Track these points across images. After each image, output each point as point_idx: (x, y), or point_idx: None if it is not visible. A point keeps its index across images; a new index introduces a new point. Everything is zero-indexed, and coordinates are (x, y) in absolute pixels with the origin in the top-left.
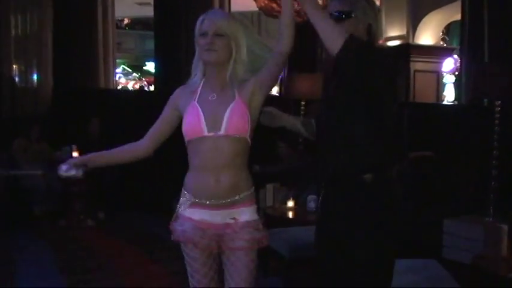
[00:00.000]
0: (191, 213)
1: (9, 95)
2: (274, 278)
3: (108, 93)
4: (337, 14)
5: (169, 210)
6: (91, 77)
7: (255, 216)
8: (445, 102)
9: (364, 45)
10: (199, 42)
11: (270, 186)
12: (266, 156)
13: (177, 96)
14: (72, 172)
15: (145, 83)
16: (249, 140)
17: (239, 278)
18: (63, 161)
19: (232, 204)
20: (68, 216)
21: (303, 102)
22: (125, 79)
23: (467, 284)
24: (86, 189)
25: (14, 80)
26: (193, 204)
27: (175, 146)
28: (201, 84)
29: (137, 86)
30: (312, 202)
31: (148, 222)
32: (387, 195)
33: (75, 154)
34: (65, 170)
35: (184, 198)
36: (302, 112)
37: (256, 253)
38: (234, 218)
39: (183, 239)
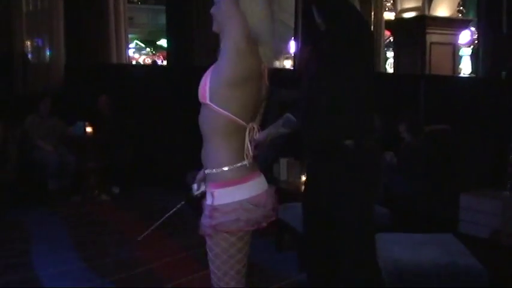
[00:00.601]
0: None
1: (21, 71)
2: (289, 252)
3: (121, 68)
4: None
5: (183, 184)
6: (103, 52)
7: (210, 201)
8: (461, 75)
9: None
10: None
11: (283, 161)
12: None
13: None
14: (203, 188)
15: (161, 57)
16: (213, 106)
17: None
18: (76, 137)
19: (209, 179)
20: (82, 192)
21: None
22: (138, 54)
23: (484, 259)
24: (100, 164)
25: (27, 56)
26: None
27: (190, 121)
28: None
29: (149, 61)
30: None
31: (162, 197)
32: (368, 159)
33: (88, 130)
34: (197, 189)
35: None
36: None
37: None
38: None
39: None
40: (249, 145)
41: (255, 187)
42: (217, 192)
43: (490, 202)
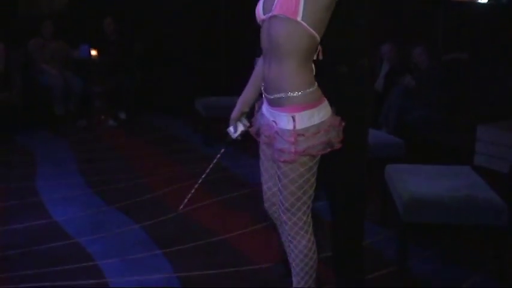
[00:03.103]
0: (263, 106)
1: None
2: None
3: None
4: None
5: (190, 111)
6: None
7: (289, 126)
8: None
9: None
10: None
11: None
12: None
13: None
14: (241, 127)
15: None
16: (304, 25)
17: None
18: (81, 60)
19: (274, 103)
20: (88, 116)
21: None
22: None
23: (503, 193)
24: (106, 88)
25: None
26: (263, 97)
27: (196, 50)
28: None
29: None
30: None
31: (169, 123)
32: (360, 82)
33: (93, 53)
34: (234, 131)
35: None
36: None
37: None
38: (274, 121)
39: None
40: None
41: (327, 108)
42: (299, 115)
43: (508, 134)
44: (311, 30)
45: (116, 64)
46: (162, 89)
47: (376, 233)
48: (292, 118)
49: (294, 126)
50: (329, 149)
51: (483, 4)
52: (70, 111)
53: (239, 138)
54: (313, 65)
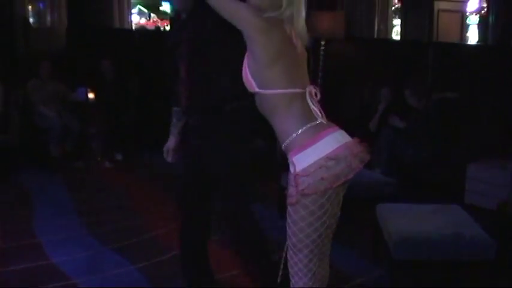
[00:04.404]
0: None
1: (23, 34)
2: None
3: (122, 33)
4: None
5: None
6: (105, 16)
7: (292, 169)
8: (470, 43)
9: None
10: None
11: None
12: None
13: None
14: None
15: (159, 23)
16: (262, 92)
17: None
18: (79, 102)
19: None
20: (85, 158)
21: (322, 42)
22: (139, 19)
23: (492, 230)
24: (102, 129)
25: (28, 19)
26: None
27: None
28: None
29: (145, 25)
30: None
31: (165, 162)
32: (243, 119)
33: (90, 96)
34: None
35: None
36: (322, 52)
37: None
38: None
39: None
40: (314, 107)
41: (331, 142)
42: (295, 158)
43: (498, 172)
44: (271, 91)
45: (112, 105)
46: (157, 127)
47: (368, 271)
48: (292, 162)
49: (295, 169)
50: (341, 181)
51: (471, 45)
52: (67, 152)
53: None
54: (312, 105)
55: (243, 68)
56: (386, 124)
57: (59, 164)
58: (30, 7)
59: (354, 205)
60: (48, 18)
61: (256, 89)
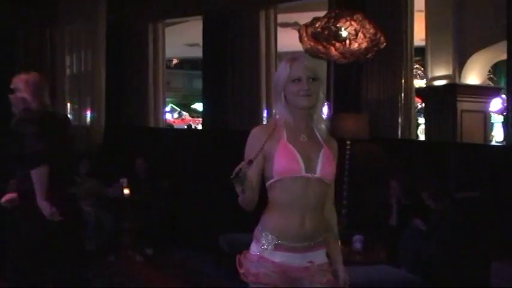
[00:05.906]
0: (273, 256)
1: None
2: None
3: (157, 131)
4: None
5: (216, 248)
6: (142, 115)
7: (326, 259)
8: (493, 143)
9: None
10: (291, 89)
11: None
12: None
13: (261, 137)
14: None
15: (190, 121)
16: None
17: None
18: (115, 198)
19: (312, 247)
20: (117, 252)
21: (348, 142)
22: (172, 117)
23: None
24: (135, 225)
25: (68, 117)
26: (277, 247)
27: (224, 184)
28: (284, 124)
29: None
30: (357, 242)
31: (195, 259)
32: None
33: (126, 191)
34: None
35: (267, 239)
36: (348, 151)
37: None
38: (310, 261)
39: (264, 281)
40: None
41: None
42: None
43: None
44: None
45: (145, 202)
46: (188, 224)
47: None
48: (326, 253)
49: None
50: None
51: (493, 146)
52: (100, 246)
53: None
54: None
55: (328, 159)
56: (408, 224)
57: (93, 257)
58: (70, 105)
59: None
60: (87, 116)
61: (332, 181)
